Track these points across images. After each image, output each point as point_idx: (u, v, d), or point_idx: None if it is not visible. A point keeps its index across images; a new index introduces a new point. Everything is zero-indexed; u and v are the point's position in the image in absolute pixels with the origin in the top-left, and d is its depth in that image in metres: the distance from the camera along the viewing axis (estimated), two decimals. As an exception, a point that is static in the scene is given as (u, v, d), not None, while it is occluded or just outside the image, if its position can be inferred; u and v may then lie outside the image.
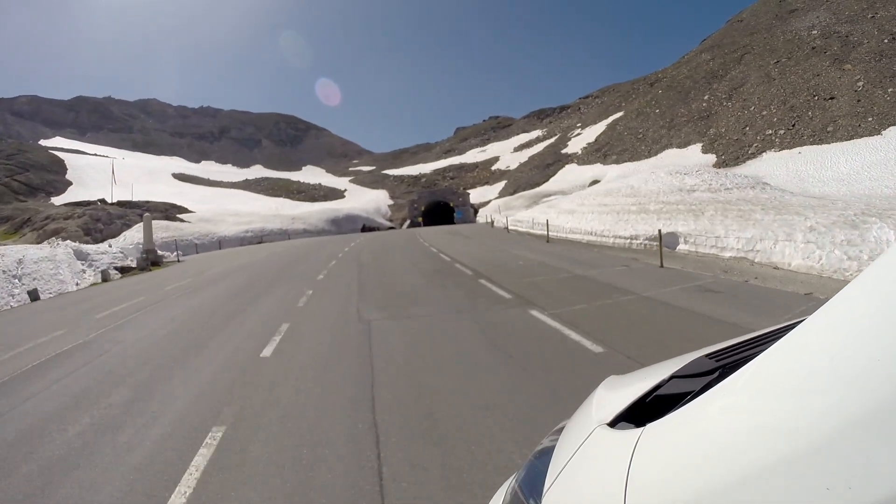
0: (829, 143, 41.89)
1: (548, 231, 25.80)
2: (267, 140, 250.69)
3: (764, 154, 46.40)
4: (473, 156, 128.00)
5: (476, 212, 71.89)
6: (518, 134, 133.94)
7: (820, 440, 0.59)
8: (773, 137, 49.54)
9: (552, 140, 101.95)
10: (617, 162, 67.15)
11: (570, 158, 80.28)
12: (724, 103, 60.97)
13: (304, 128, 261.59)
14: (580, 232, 23.43)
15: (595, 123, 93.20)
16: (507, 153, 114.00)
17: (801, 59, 55.76)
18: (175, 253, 34.67)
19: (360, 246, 30.18)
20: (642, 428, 0.96)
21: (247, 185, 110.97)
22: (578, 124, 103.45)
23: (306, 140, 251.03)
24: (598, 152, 74.95)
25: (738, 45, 70.33)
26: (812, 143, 45.05)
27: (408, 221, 75.57)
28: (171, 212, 56.85)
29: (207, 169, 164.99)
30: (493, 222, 45.83)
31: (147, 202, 59.18)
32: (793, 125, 49.31)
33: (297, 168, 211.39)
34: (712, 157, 53.00)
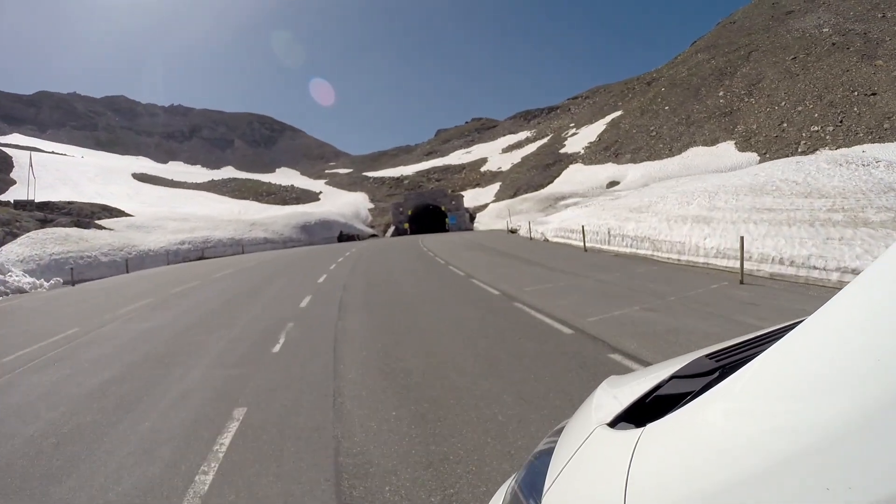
0: (892, 141, 39.46)
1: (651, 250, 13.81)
2: (240, 140, 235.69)
3: (819, 152, 41.11)
4: (458, 157, 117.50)
5: (472, 217, 59.79)
6: (505, 135, 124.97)
7: (820, 440, 0.58)
8: (822, 135, 46.10)
9: (544, 140, 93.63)
10: (634, 161, 59.45)
11: (572, 158, 71.46)
12: (745, 99, 57.43)
13: (279, 128, 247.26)
14: (704, 251, 13.78)
15: (591, 123, 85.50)
16: (496, 154, 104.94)
17: (822, 56, 53.94)
18: (52, 281, 21.57)
19: (350, 271, 18.09)
20: (642, 428, 0.93)
21: (212, 187, 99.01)
22: (571, 124, 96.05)
23: (281, 141, 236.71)
24: (607, 151, 66.47)
25: (740, 45, 68.46)
26: (872, 141, 42.37)
27: (392, 228, 63.06)
28: (98, 215, 43.36)
29: (174, 170, 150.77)
30: (515, 230, 33.64)
31: (70, 203, 45.48)
32: (840, 122, 46.34)
33: (271, 170, 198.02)
34: (753, 156, 48.28)
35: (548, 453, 1.18)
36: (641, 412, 1.09)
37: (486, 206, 63.15)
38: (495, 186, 74.46)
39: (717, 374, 1.10)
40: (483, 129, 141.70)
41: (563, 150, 77.75)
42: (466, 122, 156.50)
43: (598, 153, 66.75)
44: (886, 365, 0.58)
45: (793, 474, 0.58)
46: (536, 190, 62.43)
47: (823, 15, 62.37)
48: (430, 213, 64.77)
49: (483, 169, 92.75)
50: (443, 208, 61.98)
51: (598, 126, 78.61)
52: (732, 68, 64.00)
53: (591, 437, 1.06)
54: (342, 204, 73.77)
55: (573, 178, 61.85)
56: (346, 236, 54.19)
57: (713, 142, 54.00)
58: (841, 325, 0.70)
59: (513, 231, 33.76)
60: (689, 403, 0.90)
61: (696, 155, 53.10)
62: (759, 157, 46.32)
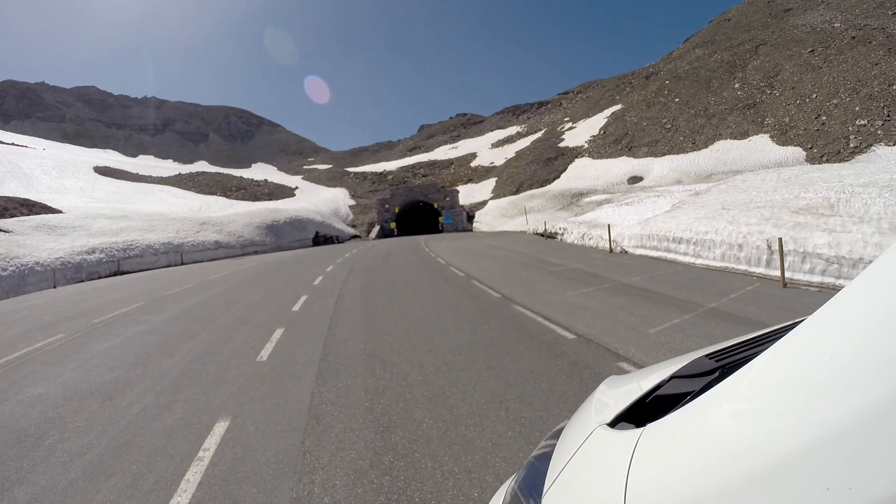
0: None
1: None
2: (215, 134, 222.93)
3: (874, 148, 38.89)
4: (444, 153, 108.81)
5: (470, 216, 50.53)
6: (492, 130, 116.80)
7: (820, 440, 0.57)
8: (872, 129, 41.95)
9: (538, 135, 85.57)
10: (653, 155, 52.63)
11: (576, 152, 63.89)
12: (767, 91, 53.92)
13: (257, 123, 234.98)
14: None
15: (589, 117, 78.68)
16: (485, 149, 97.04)
17: (844, 49, 51.94)
18: None
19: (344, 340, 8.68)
20: (642, 428, 0.92)
21: (178, 181, 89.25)
22: (566, 118, 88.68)
23: (258, 136, 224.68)
24: (617, 144, 59.47)
25: (740, 40, 66.87)
26: (930, 136, 38.18)
27: (377, 228, 53.43)
28: (12, 212, 33.10)
29: (143, 163, 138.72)
30: (553, 233, 24.25)
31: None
32: (888, 116, 42.63)
33: (247, 165, 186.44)
34: (798, 151, 43.83)
35: (548, 453, 1.15)
36: (641, 412, 1.07)
37: (483, 203, 54.07)
38: (490, 182, 65.61)
39: (717, 374, 1.07)
40: (469, 125, 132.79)
41: (562, 144, 69.91)
42: (451, 118, 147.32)
43: (606, 147, 59.58)
44: (887, 365, 0.57)
45: (793, 474, 0.57)
46: (542, 185, 53.81)
47: (826, 12, 61.50)
48: (420, 211, 55.46)
49: (474, 164, 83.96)
50: (435, 205, 52.69)
51: (598, 120, 72.14)
52: (742, 61, 61.03)
53: (591, 437, 1.04)
54: (320, 200, 63.93)
55: (584, 172, 53.66)
56: (324, 238, 44.68)
57: (742, 135, 49.00)
58: (841, 325, 0.69)
59: (549, 235, 24.46)
60: (690, 403, 0.88)
61: (728, 149, 47.80)
62: (804, 153, 42.66)
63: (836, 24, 56.83)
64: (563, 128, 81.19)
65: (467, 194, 59.76)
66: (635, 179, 47.62)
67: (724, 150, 47.27)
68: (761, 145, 46.04)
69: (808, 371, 0.68)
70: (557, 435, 1.26)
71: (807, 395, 0.64)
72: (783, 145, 44.74)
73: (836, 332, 0.69)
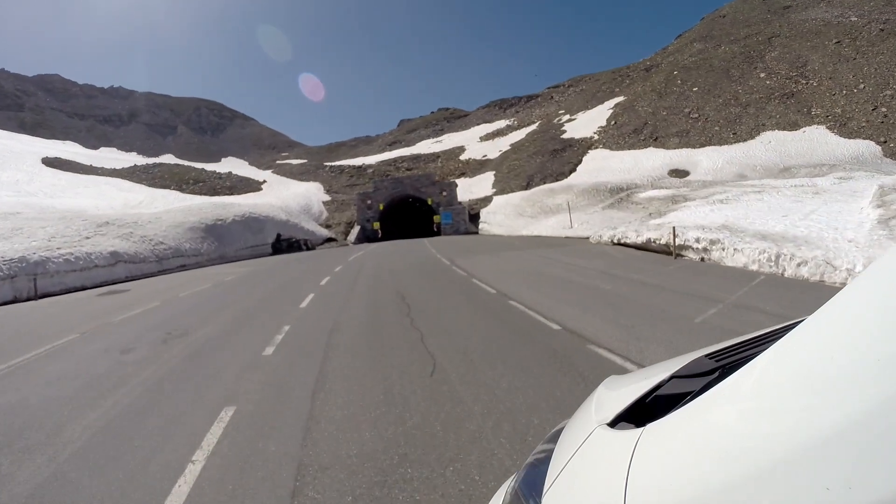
0: None
1: None
2: (184, 127, 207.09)
3: None
4: (427, 146, 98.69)
5: (474, 216, 39.80)
6: (478, 124, 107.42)
7: (820, 440, 0.56)
8: None
9: (533, 127, 76.40)
10: (688, 145, 45.09)
11: (586, 143, 54.91)
12: (802, 81, 49.77)
13: (230, 116, 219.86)
14: None
15: (588, 109, 71.53)
16: (473, 142, 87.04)
17: (874, 41, 49.14)
18: None
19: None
20: (642, 428, 0.89)
21: (130, 174, 77.58)
22: (561, 111, 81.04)
23: (230, 129, 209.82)
24: (637, 135, 52.28)
25: (747, 33, 63.74)
26: None
27: (356, 229, 42.25)
28: None
29: (104, 156, 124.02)
30: (679, 249, 13.22)
31: None
32: None
33: (217, 159, 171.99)
34: (869, 144, 38.19)
35: (548, 454, 1.13)
36: (641, 412, 1.04)
37: (487, 199, 43.51)
38: (487, 175, 55.41)
39: (717, 374, 1.05)
40: (452, 119, 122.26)
41: (566, 136, 61.56)
42: (432, 112, 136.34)
43: (623, 137, 51.80)
44: (887, 365, 0.56)
45: (793, 474, 0.56)
46: (557, 179, 43.89)
47: (829, 8, 59.76)
48: (409, 209, 44.66)
49: (464, 157, 73.59)
50: (429, 201, 41.92)
51: (601, 111, 65.11)
52: (757, 52, 56.77)
53: (591, 437, 1.02)
54: (289, 196, 52.39)
55: (606, 164, 44.40)
56: (288, 242, 33.55)
57: (791, 125, 43.92)
58: (841, 325, 0.68)
59: (661, 250, 13.68)
60: (689, 403, 0.86)
61: (783, 140, 41.81)
62: (878, 147, 37.49)
63: (852, 19, 54.45)
64: (560, 120, 73.69)
65: (463, 189, 49.11)
66: (679, 173, 38.25)
67: (780, 142, 41.20)
68: (821, 137, 40.92)
69: (808, 371, 0.66)
70: (557, 435, 1.21)
71: (807, 395, 0.63)
72: (849, 138, 39.12)
73: (837, 332, 0.67)
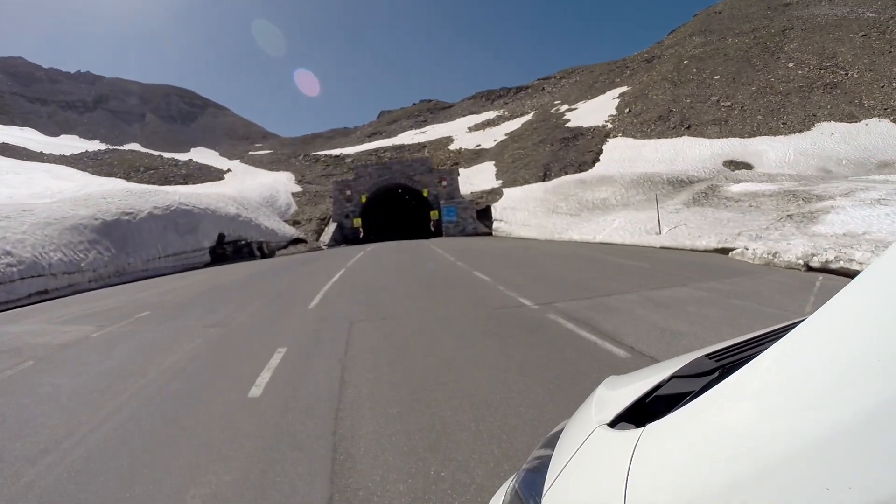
0: None
1: None
2: (152, 115, 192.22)
3: None
4: (411, 137, 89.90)
5: (482, 212, 30.28)
6: (464, 115, 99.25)
7: (820, 440, 0.55)
8: None
9: (527, 117, 68.59)
10: (731, 134, 38.73)
11: (602, 132, 46.43)
12: (839, 72, 45.33)
13: (201, 104, 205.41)
14: None
15: (588, 98, 65.28)
16: (462, 133, 78.16)
17: None
18: None
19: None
20: (642, 428, 0.87)
21: (75, 160, 65.52)
22: (557, 101, 73.63)
23: (202, 118, 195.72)
24: (663, 123, 43.84)
25: (755, 26, 61.53)
26: None
27: (332, 227, 32.30)
28: None
29: (62, 143, 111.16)
30: None
31: None
32: None
33: (185, 149, 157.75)
34: None
35: (548, 453, 1.10)
36: (641, 412, 1.02)
37: (495, 192, 34.28)
38: (486, 166, 46.55)
39: (717, 374, 1.03)
40: (436, 110, 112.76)
41: (571, 125, 53.43)
42: (414, 104, 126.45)
43: (646, 125, 44.42)
44: (887, 364, 0.55)
45: (793, 474, 0.55)
46: (580, 169, 35.41)
47: (833, 6, 58.30)
48: (398, 201, 35.15)
49: (453, 147, 64.48)
50: (424, 193, 32.44)
51: (604, 100, 58.83)
52: (773, 44, 53.32)
53: (591, 437, 0.99)
54: (253, 186, 42.24)
55: (638, 154, 36.88)
56: (235, 246, 23.55)
57: (849, 117, 38.56)
58: (841, 324, 0.66)
59: None
60: (689, 403, 0.84)
61: (849, 132, 36.11)
62: None
63: (869, 14, 52.61)
64: (558, 109, 66.06)
65: (461, 181, 39.58)
66: (739, 164, 30.18)
67: (847, 134, 35.63)
68: (888, 130, 34.84)
69: (808, 371, 0.64)
70: (557, 435, 1.18)
71: (807, 395, 0.61)
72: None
73: (837, 332, 0.65)
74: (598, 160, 36.98)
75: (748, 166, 29.87)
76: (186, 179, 55.87)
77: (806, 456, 0.54)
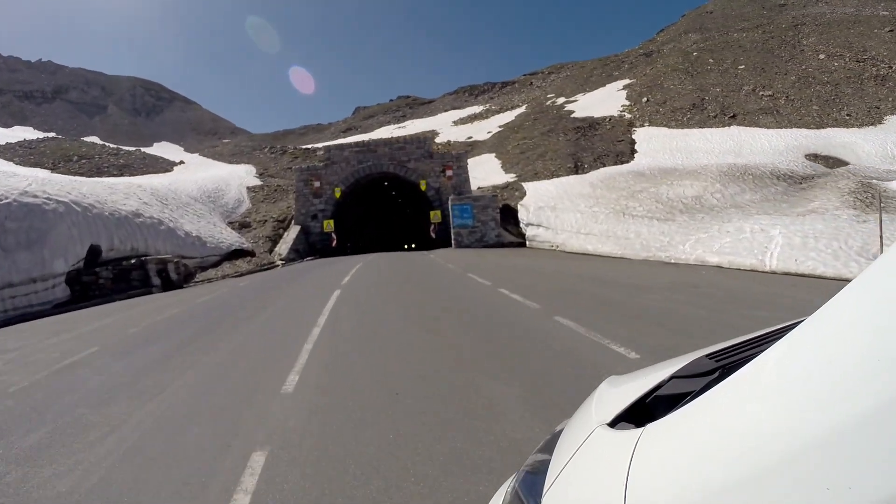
0: None
1: None
2: (115, 107, 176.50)
3: None
4: (390, 132, 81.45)
5: (507, 212, 21.08)
6: (446, 110, 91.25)
7: (820, 440, 0.53)
8: None
9: (520, 110, 61.71)
10: (792, 125, 32.61)
11: (622, 122, 39.09)
12: (881, 65, 39.46)
13: (169, 97, 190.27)
14: None
15: (586, 91, 59.48)
16: (447, 127, 70.29)
17: None
18: None
19: None
20: (642, 428, 0.84)
21: (6, 150, 56.03)
22: (550, 94, 66.58)
23: (168, 112, 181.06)
24: (698, 112, 37.36)
25: (759, 23, 57.89)
26: None
27: (293, 232, 22.58)
28: None
29: (17, 135, 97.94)
30: None
31: None
32: None
33: (148, 143, 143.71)
34: None
35: (548, 453, 1.07)
36: (641, 412, 0.99)
37: (512, 187, 25.42)
38: (485, 158, 38.71)
39: (717, 374, 0.99)
40: (415, 105, 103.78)
41: (577, 115, 44.65)
42: (391, 100, 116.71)
43: (674, 114, 37.95)
44: (887, 364, 0.53)
45: (793, 474, 0.53)
46: (618, 161, 27.04)
47: (832, 6, 56.12)
48: (385, 197, 25.71)
49: (439, 140, 55.97)
50: (422, 185, 23.26)
51: (609, 91, 52.74)
52: (789, 38, 49.42)
53: (591, 437, 0.96)
54: (195, 178, 32.35)
55: (685, 144, 30.32)
56: (118, 269, 13.80)
57: None
58: (841, 324, 0.64)
59: None
60: (689, 403, 0.82)
61: None
62: None
63: (883, 13, 50.41)
64: (554, 102, 59.58)
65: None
66: (826, 159, 22.52)
67: None
68: None
69: (808, 371, 0.62)
70: (557, 435, 1.15)
71: (807, 395, 0.59)
72: None
73: (837, 332, 0.63)
74: (635, 150, 28.87)
75: (841, 161, 22.19)
76: (123, 171, 45.56)
77: (806, 456, 0.53)
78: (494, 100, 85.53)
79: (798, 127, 30.11)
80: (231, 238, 21.40)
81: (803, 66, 41.54)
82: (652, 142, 30.53)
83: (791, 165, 21.17)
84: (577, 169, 25.61)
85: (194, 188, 26.19)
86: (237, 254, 20.29)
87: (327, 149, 28.44)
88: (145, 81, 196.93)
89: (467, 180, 23.85)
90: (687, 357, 1.18)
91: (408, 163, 25.01)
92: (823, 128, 30.06)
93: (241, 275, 17.33)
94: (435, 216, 24.04)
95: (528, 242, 19.44)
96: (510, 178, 28.42)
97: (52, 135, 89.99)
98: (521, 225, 19.71)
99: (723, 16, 67.96)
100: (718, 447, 0.64)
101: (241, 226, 23.93)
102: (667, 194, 18.06)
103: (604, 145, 30.57)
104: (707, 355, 1.12)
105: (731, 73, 43.95)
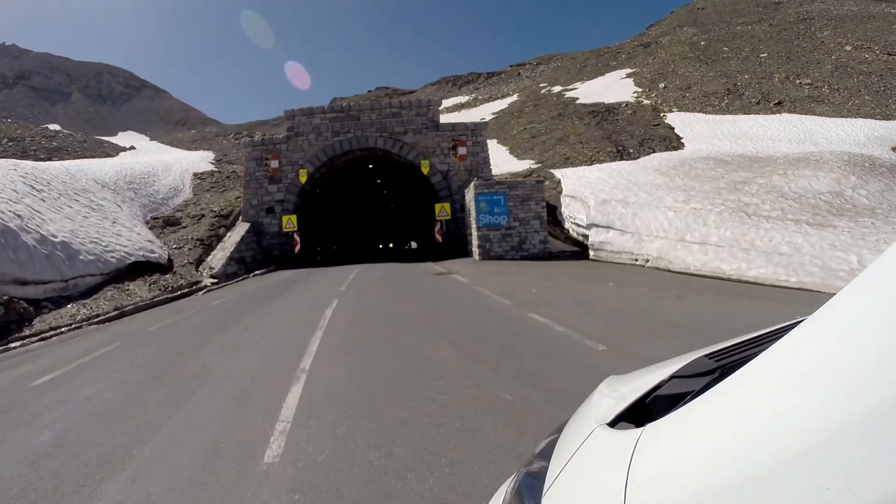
0: None
1: None
2: (80, 94, 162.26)
3: None
4: None
5: (554, 211, 14.29)
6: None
7: (820, 440, 0.52)
8: None
9: (512, 98, 58.80)
10: (843, 114, 28.93)
11: (643, 107, 35.55)
12: None
13: (137, 86, 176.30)
14: None
15: (583, 80, 56.53)
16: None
17: None
18: None
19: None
20: (642, 428, 0.83)
21: None
22: (543, 84, 63.92)
23: (136, 100, 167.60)
24: (737, 98, 34.03)
25: (762, 17, 55.86)
26: None
27: (239, 233, 15.55)
28: None
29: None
30: None
31: None
32: None
33: (112, 132, 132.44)
34: None
35: (547, 454, 1.04)
36: (641, 412, 0.97)
37: (532, 173, 18.65)
38: (489, 144, 31.59)
39: (717, 374, 0.97)
40: (395, 96, 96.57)
41: (584, 101, 41.34)
42: (370, 91, 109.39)
43: (707, 100, 34.60)
44: (887, 365, 0.52)
45: (793, 474, 0.52)
46: (668, 147, 21.25)
47: (831, 3, 54.36)
48: (370, 183, 19.10)
49: (429, 129, 49.01)
50: (423, 167, 16.59)
51: (612, 79, 50.29)
52: (801, 30, 48.16)
53: (590, 437, 0.94)
54: (127, 162, 24.76)
55: (740, 130, 27.82)
56: None
57: None
58: (841, 324, 0.62)
59: None
60: (690, 403, 0.80)
61: None
62: None
63: (892, 11, 50.12)
64: (549, 90, 56.56)
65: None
66: None
67: None
68: None
69: (808, 371, 0.62)
70: (557, 434, 1.13)
71: (807, 395, 0.58)
72: None
73: (837, 331, 0.62)
74: (679, 136, 23.09)
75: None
76: (52, 154, 37.66)
77: (806, 456, 0.52)
78: (481, 90, 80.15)
79: (857, 117, 25.54)
80: (136, 243, 13.87)
81: (833, 57, 39.11)
82: (694, 127, 25.35)
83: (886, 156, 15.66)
84: (621, 155, 19.51)
85: (110, 172, 18.86)
86: (139, 269, 12.93)
87: (290, 114, 21.27)
88: (113, 68, 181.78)
89: (487, 162, 17.16)
90: (687, 357, 1.15)
91: (404, 135, 18.26)
92: (891, 119, 25.31)
93: (123, 314, 10.01)
94: (441, 210, 17.56)
95: (591, 252, 13.24)
96: (529, 164, 22.06)
97: (9, 122, 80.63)
98: (567, 224, 13.48)
99: (716, 12, 66.63)
100: (718, 447, 0.63)
101: (167, 223, 16.85)
102: (788, 187, 12.03)
103: (641, 130, 24.85)
104: (707, 355, 1.10)
105: (752, 61, 40.80)
